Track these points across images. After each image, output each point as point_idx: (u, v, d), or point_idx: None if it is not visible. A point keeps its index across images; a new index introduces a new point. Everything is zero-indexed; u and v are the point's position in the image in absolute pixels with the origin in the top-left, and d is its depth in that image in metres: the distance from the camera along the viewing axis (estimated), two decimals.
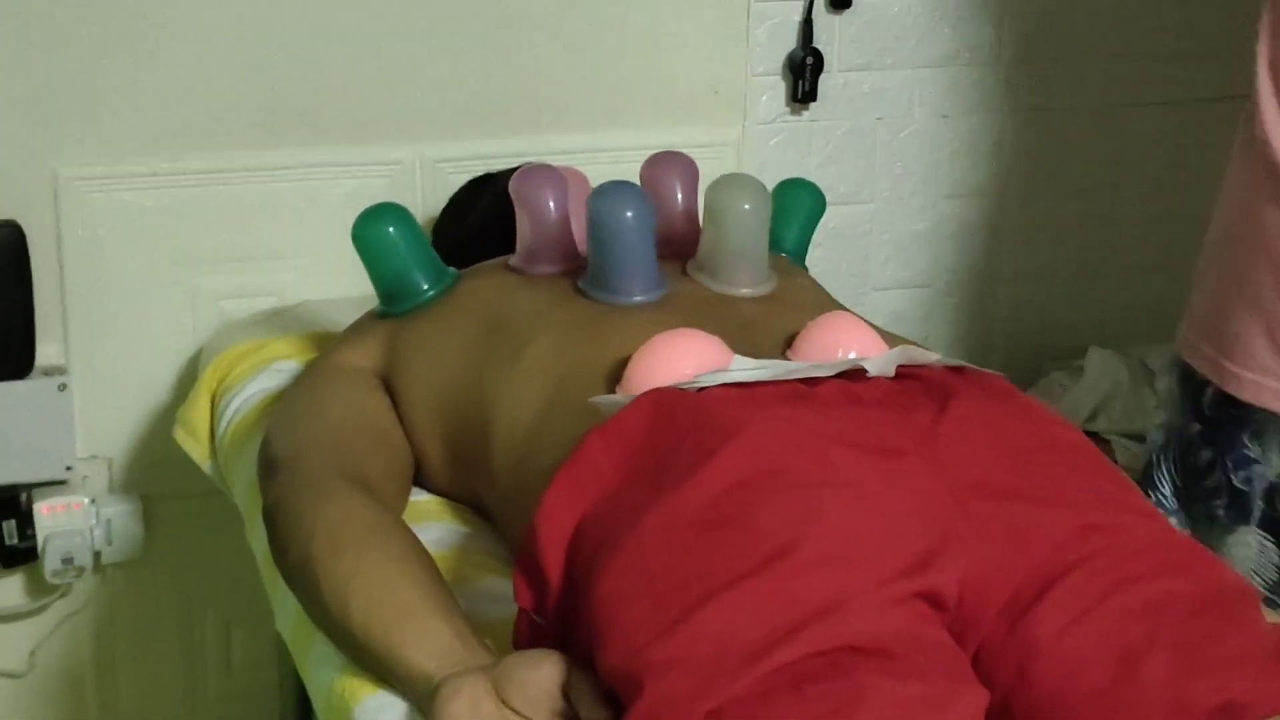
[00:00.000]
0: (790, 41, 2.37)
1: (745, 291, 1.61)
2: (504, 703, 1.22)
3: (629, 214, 1.58)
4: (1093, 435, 2.22)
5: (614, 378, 1.44)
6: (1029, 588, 1.23)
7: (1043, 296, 2.59)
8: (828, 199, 1.89)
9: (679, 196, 1.73)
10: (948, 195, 2.51)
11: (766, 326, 1.53)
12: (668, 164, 1.75)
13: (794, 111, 2.40)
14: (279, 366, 1.95)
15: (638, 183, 1.70)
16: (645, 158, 1.81)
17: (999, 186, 2.54)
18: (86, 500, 2.18)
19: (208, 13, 2.11)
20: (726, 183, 1.67)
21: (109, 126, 2.11)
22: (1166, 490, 1.79)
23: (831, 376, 1.37)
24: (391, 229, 1.70)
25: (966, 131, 2.49)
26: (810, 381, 1.36)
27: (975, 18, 2.43)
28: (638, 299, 1.57)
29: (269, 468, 1.54)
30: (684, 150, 1.83)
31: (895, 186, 2.48)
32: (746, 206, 1.63)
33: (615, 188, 1.62)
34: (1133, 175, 2.58)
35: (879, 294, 2.51)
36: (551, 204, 1.69)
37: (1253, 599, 1.29)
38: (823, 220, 1.89)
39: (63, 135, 2.09)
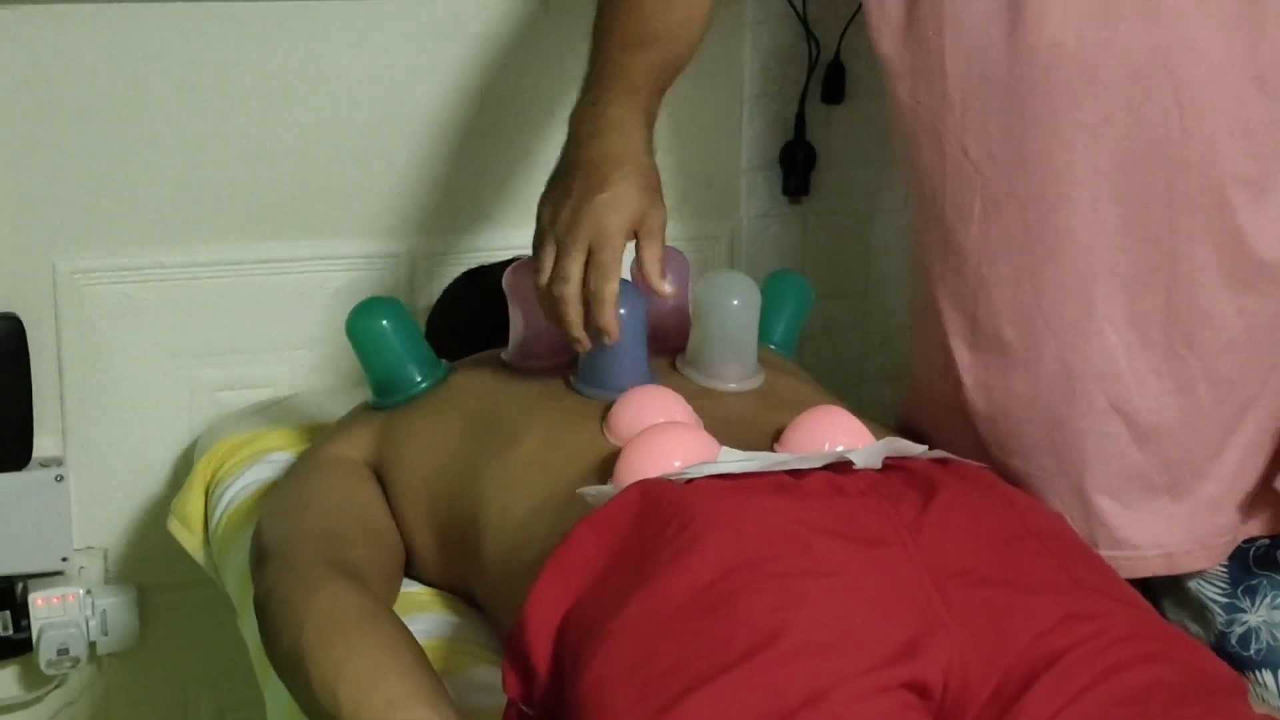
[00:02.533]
0: (784, 135, 2.40)
1: (733, 386, 1.63)
2: None
3: (620, 311, 1.60)
4: None
5: (603, 470, 1.45)
6: (1014, 677, 1.23)
7: None
8: (819, 291, 1.91)
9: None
10: None
11: (754, 421, 1.55)
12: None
13: (786, 205, 2.43)
14: (272, 458, 1.96)
15: (629, 277, 1.72)
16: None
17: None
18: (82, 591, 2.19)
19: (205, 112, 2.14)
20: (716, 279, 1.69)
21: (108, 220, 2.13)
22: None
23: (818, 468, 1.39)
24: (385, 322, 1.72)
25: None
26: (796, 473, 1.38)
27: None
28: None
29: (260, 558, 1.55)
30: (677, 243, 1.85)
31: (887, 276, 2.50)
32: (735, 303, 1.65)
33: None
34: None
35: (870, 385, 2.52)
36: None
37: (1239, 689, 1.30)
38: (814, 312, 1.91)
39: (62, 229, 2.12)
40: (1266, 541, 1.65)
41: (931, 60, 1.56)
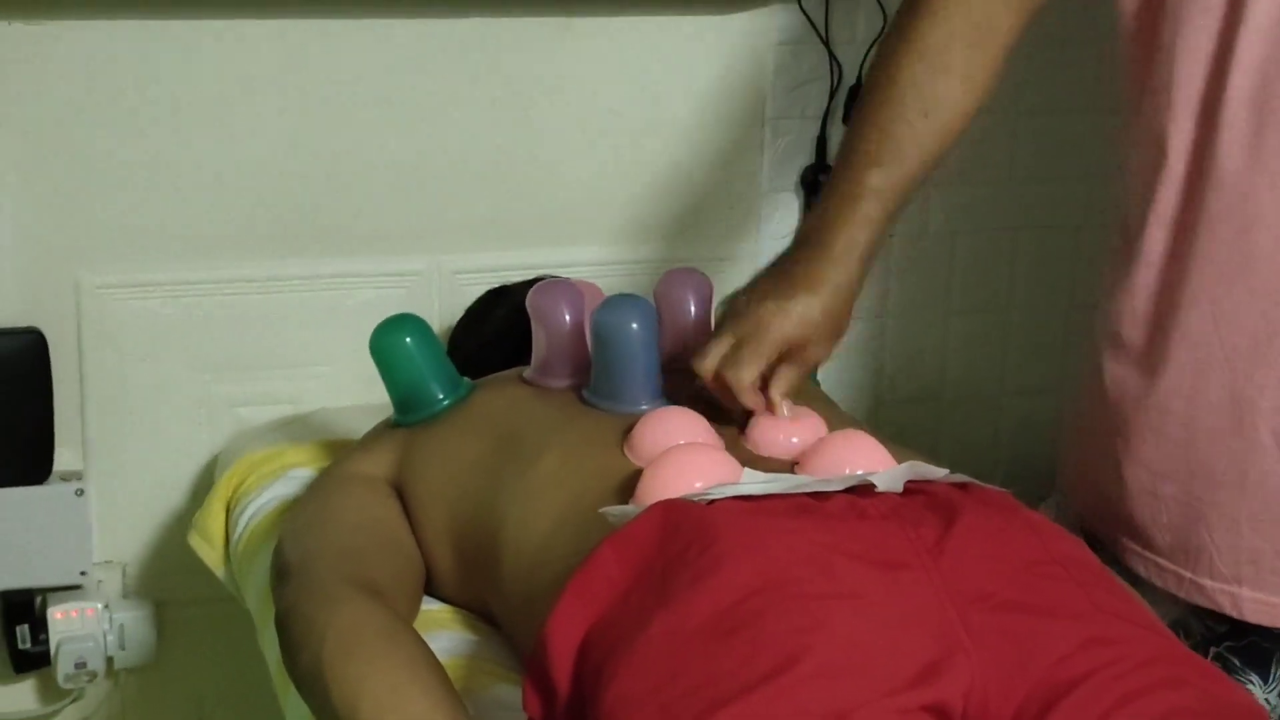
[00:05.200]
0: (805, 157, 2.40)
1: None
2: None
3: (633, 325, 1.61)
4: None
5: (625, 489, 1.45)
6: (1034, 702, 1.23)
7: (1050, 412, 2.61)
8: None
9: (692, 311, 1.75)
10: (958, 310, 2.53)
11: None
12: (681, 280, 1.77)
13: None
14: (293, 474, 1.96)
15: (651, 298, 1.73)
16: (660, 271, 1.83)
17: (1007, 302, 2.56)
18: (100, 605, 2.19)
19: (229, 129, 2.15)
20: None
21: (131, 236, 2.14)
22: None
23: (840, 491, 1.39)
24: (408, 339, 1.72)
25: (977, 247, 2.52)
26: (818, 496, 1.38)
27: (987, 137, 2.46)
28: (644, 408, 1.59)
29: (281, 574, 1.55)
30: (698, 264, 1.86)
31: (906, 301, 2.50)
32: None
33: (619, 300, 1.65)
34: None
35: (888, 408, 2.53)
36: (567, 317, 1.71)
37: (1260, 718, 1.30)
38: None
39: (85, 244, 2.13)
40: None
41: (1159, 68, 1.53)
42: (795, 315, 1.53)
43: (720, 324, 1.57)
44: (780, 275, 1.56)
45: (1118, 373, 1.61)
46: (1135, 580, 1.60)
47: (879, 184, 1.54)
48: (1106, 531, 1.66)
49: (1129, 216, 1.60)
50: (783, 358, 1.54)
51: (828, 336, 1.56)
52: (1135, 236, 1.58)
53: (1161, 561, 1.61)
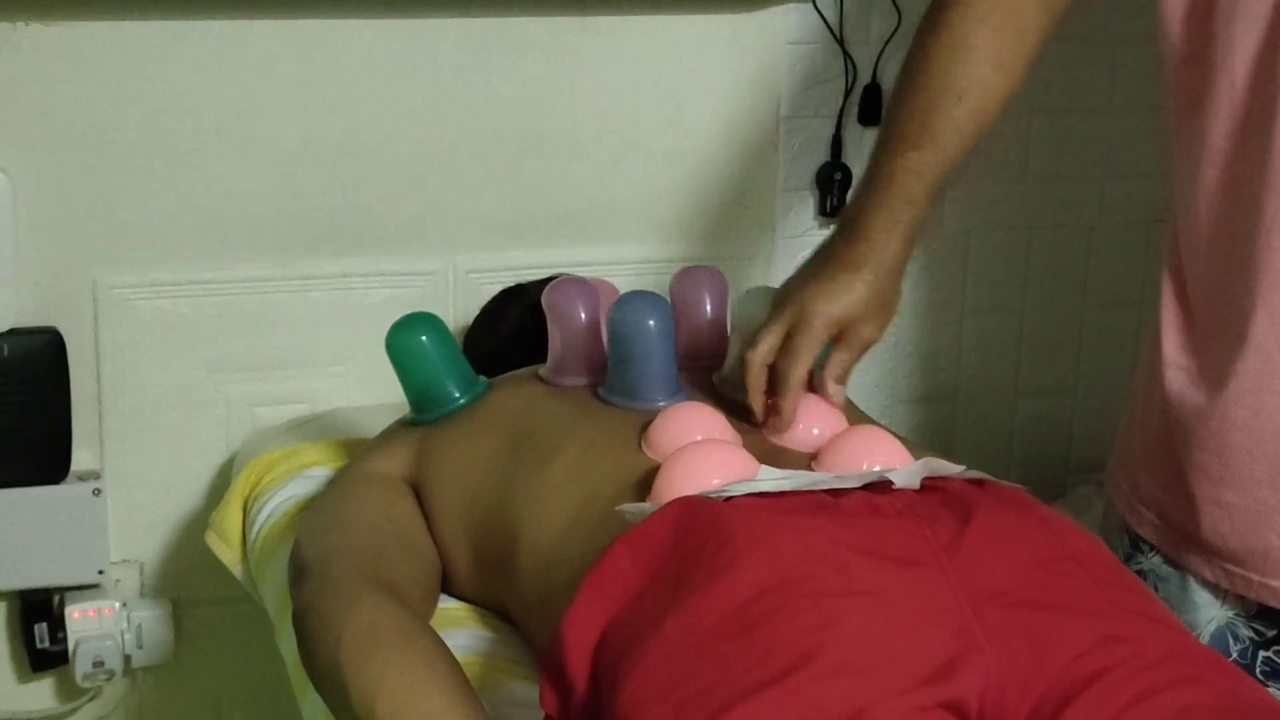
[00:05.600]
0: (820, 156, 2.40)
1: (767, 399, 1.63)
2: None
3: (650, 322, 1.61)
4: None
5: (641, 486, 1.46)
6: (1050, 699, 1.23)
7: (1065, 410, 2.61)
8: None
9: (708, 309, 1.75)
10: (972, 310, 2.54)
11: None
12: (697, 278, 1.78)
13: (822, 225, 2.43)
14: (310, 473, 1.97)
15: (667, 295, 1.73)
16: (675, 269, 1.84)
17: (1021, 301, 2.56)
18: (118, 604, 2.20)
19: (245, 129, 2.15)
20: (752, 294, 1.70)
21: (148, 236, 2.15)
22: None
23: (856, 488, 1.39)
24: (425, 338, 1.73)
25: (991, 247, 2.52)
26: (835, 492, 1.38)
27: (1002, 136, 2.45)
28: (660, 405, 1.59)
29: (299, 573, 1.55)
30: (714, 263, 1.86)
31: (920, 300, 2.51)
32: None
33: (635, 297, 1.65)
34: (1155, 291, 2.59)
35: (903, 406, 2.53)
36: (582, 316, 1.71)
37: (1275, 713, 1.30)
38: None
39: (102, 244, 2.13)
40: None
41: (1209, 75, 1.52)
42: (839, 296, 1.54)
43: (769, 316, 1.58)
44: (823, 260, 1.58)
45: (1177, 383, 1.60)
46: (1198, 584, 1.60)
47: (916, 164, 1.56)
48: (1166, 540, 1.65)
49: (1190, 225, 1.58)
50: (834, 341, 1.56)
51: (876, 315, 1.57)
52: (1196, 246, 1.57)
53: (1230, 566, 1.60)
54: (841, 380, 1.57)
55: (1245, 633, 1.61)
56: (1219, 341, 1.55)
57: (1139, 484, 1.66)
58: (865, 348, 1.58)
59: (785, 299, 1.57)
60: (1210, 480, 1.57)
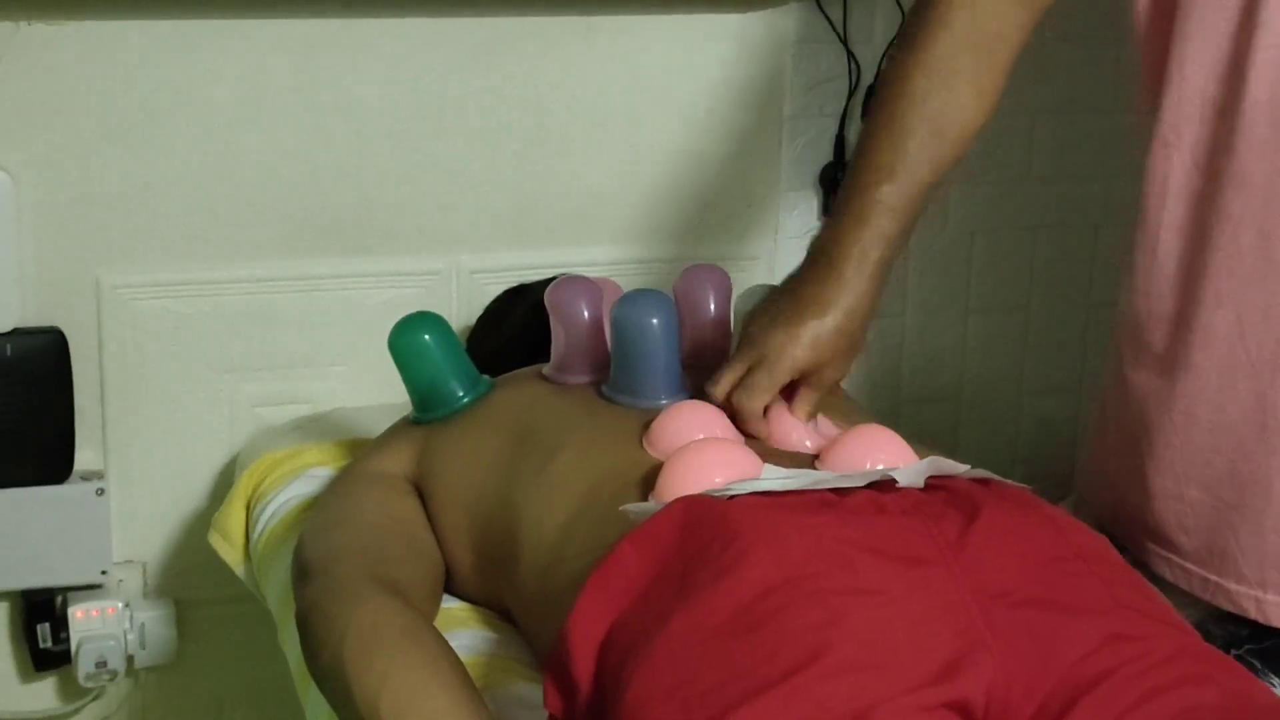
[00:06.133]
0: (823, 156, 2.40)
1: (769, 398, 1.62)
2: None
3: (654, 320, 1.61)
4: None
5: (643, 484, 1.45)
6: (1057, 698, 1.23)
7: (1069, 410, 2.61)
8: None
9: (711, 308, 1.75)
10: (976, 309, 2.53)
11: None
12: (701, 276, 1.77)
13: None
14: (313, 473, 1.96)
15: (670, 294, 1.73)
16: (678, 269, 1.83)
17: (1025, 300, 2.56)
18: (120, 604, 2.20)
19: (249, 128, 2.15)
20: (754, 293, 1.70)
21: (151, 235, 2.14)
22: None
23: (861, 487, 1.39)
24: (427, 337, 1.73)
25: (995, 247, 2.52)
26: (839, 491, 1.38)
27: (1005, 136, 2.46)
28: (663, 403, 1.59)
29: (302, 573, 1.55)
30: (716, 263, 1.86)
31: (924, 300, 2.50)
32: None
33: (639, 295, 1.65)
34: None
35: (907, 406, 2.53)
36: (586, 314, 1.71)
37: None
38: None
39: (105, 243, 2.13)
40: None
41: (1171, 68, 1.52)
42: (805, 341, 1.52)
43: (736, 348, 1.58)
44: (791, 298, 1.55)
45: (1140, 377, 1.60)
46: (1159, 583, 1.59)
47: (891, 199, 1.53)
48: (1129, 535, 1.66)
49: (1145, 218, 1.59)
50: (800, 380, 1.54)
51: (841, 357, 1.55)
52: (1153, 239, 1.58)
53: (1187, 565, 1.61)
54: (809, 417, 1.55)
55: (1218, 631, 1.61)
56: (1181, 337, 1.55)
57: (1106, 479, 1.65)
58: (829, 386, 1.56)
59: (752, 339, 1.55)
60: (1174, 475, 1.58)
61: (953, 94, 1.53)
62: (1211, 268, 1.52)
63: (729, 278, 1.79)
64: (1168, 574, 1.62)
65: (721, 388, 1.56)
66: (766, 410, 1.55)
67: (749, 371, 1.54)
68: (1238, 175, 1.49)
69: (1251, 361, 1.52)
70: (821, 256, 1.55)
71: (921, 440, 1.57)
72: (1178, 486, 1.59)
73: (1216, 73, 1.50)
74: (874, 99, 1.59)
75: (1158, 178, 1.56)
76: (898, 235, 1.54)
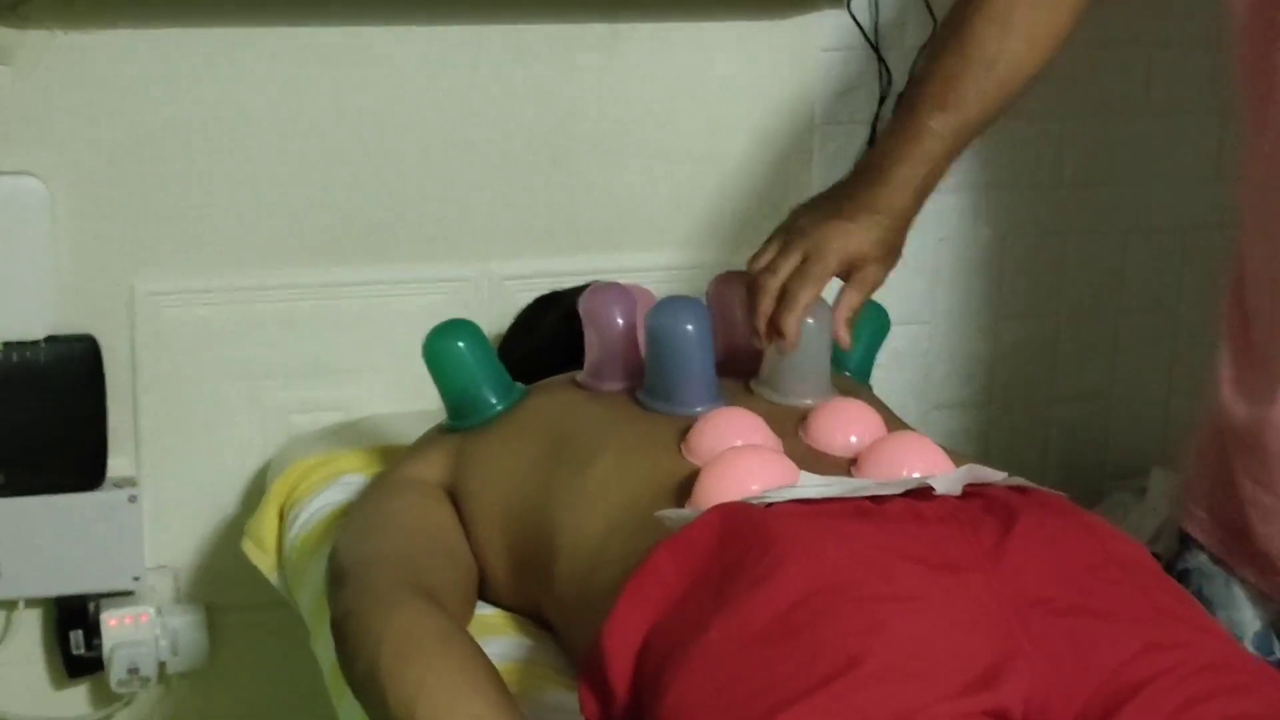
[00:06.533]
0: (854, 160, 2.39)
1: (807, 403, 1.62)
2: None
3: (689, 327, 1.61)
4: (1155, 557, 2.21)
5: (680, 491, 1.45)
6: (1095, 707, 1.22)
7: (1100, 416, 2.60)
8: (892, 317, 1.91)
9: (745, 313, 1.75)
10: (1007, 315, 2.53)
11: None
12: (734, 282, 1.77)
13: None
14: (347, 480, 1.97)
15: (704, 299, 1.73)
16: (709, 276, 1.83)
17: (1056, 306, 2.55)
18: (153, 611, 2.20)
19: (282, 137, 2.16)
20: None
21: (185, 243, 2.15)
22: None
23: (898, 494, 1.39)
24: (462, 344, 1.73)
25: (1026, 252, 2.51)
26: (876, 499, 1.38)
27: (1037, 141, 2.45)
28: (698, 410, 1.59)
29: (337, 579, 1.55)
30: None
31: (956, 305, 2.50)
32: (810, 321, 1.65)
33: (673, 302, 1.65)
34: (1191, 296, 2.59)
35: (939, 412, 2.52)
36: (620, 321, 1.71)
37: None
38: (887, 338, 1.92)
39: (139, 251, 2.14)
40: None
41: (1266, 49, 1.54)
42: (858, 235, 1.62)
43: (779, 235, 1.65)
44: (842, 198, 1.65)
45: (1229, 392, 1.61)
46: (1241, 585, 1.62)
47: (939, 126, 1.63)
48: (1213, 539, 1.65)
49: (1244, 234, 1.60)
50: (844, 278, 1.63)
51: (884, 258, 1.64)
52: (1252, 255, 1.59)
53: (1270, 573, 1.60)
54: (850, 322, 1.64)
55: None
56: (1272, 336, 1.54)
57: (1192, 483, 1.65)
58: (872, 289, 1.65)
59: (799, 230, 1.63)
60: (1254, 480, 1.57)
61: (1007, 40, 1.62)
62: None
63: None
64: (1250, 575, 1.61)
65: (780, 277, 1.61)
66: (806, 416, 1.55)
67: (801, 261, 1.60)
68: None
69: None
70: (871, 168, 1.66)
71: (952, 447, 1.57)
72: (1256, 493, 1.60)
73: None
74: (932, 40, 1.71)
75: (1268, 177, 1.56)
76: (943, 158, 1.65)
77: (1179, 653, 1.25)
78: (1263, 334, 1.57)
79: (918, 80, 1.68)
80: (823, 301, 1.68)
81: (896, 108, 1.68)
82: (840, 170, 2.35)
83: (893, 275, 2.40)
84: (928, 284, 2.47)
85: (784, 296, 1.61)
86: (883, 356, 1.96)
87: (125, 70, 2.08)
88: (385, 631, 1.39)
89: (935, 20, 2.30)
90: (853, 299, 1.64)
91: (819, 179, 2.38)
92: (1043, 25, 1.64)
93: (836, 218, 1.62)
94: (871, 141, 2.38)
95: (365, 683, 1.40)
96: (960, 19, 1.65)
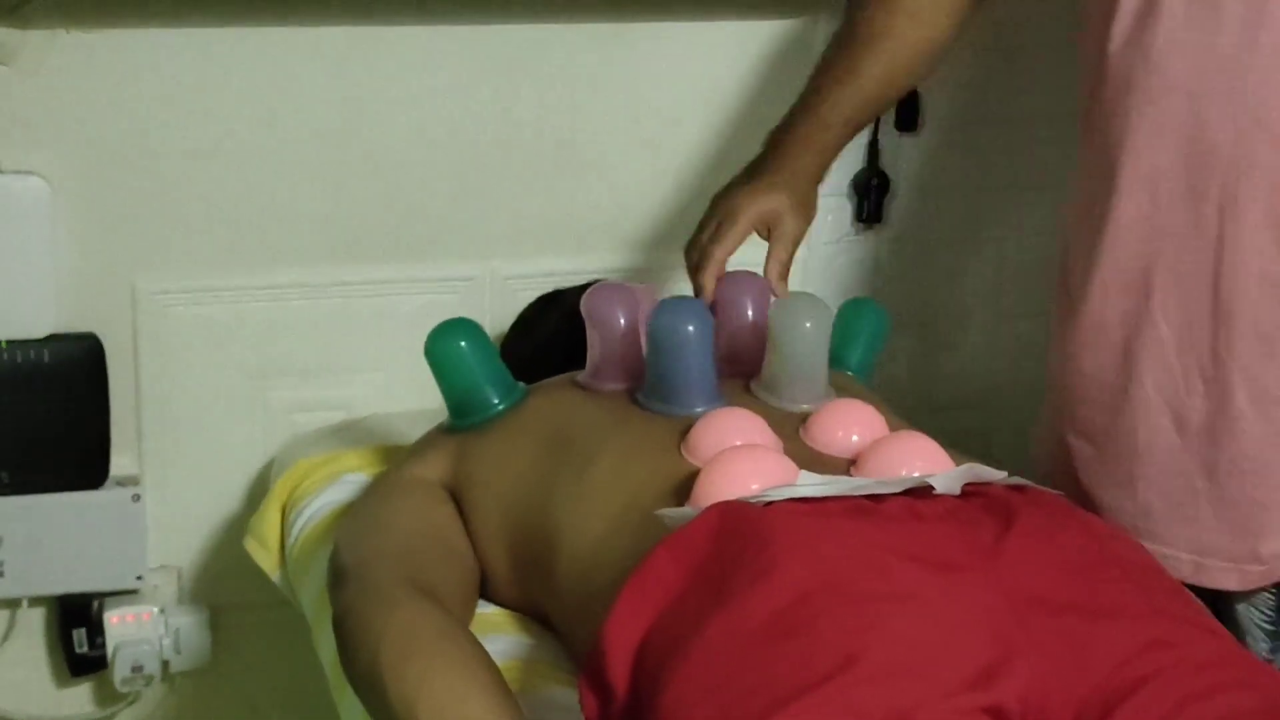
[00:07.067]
0: (857, 162, 2.40)
1: (805, 408, 1.63)
2: None
3: (690, 328, 1.61)
4: None
5: (680, 491, 1.46)
6: (1094, 705, 1.23)
7: None
8: (892, 318, 1.91)
9: (749, 314, 1.76)
10: (1007, 314, 2.53)
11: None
12: (739, 283, 1.78)
13: (859, 232, 2.43)
14: (349, 479, 1.97)
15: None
16: None
17: None
18: (156, 609, 2.20)
19: (284, 136, 2.16)
20: (789, 302, 1.71)
21: (187, 241, 2.15)
22: None
23: (897, 493, 1.39)
24: (464, 344, 1.73)
25: (1026, 251, 2.51)
26: (875, 497, 1.38)
27: (1041, 142, 2.45)
28: (699, 410, 1.59)
29: (338, 577, 1.56)
30: (749, 268, 1.85)
31: (957, 305, 2.50)
32: (808, 324, 1.65)
33: (675, 303, 1.66)
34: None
35: (941, 413, 2.52)
36: (621, 321, 1.71)
37: None
38: (889, 339, 1.92)
39: (142, 250, 2.14)
40: None
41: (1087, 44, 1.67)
42: (763, 193, 1.76)
43: (706, 214, 1.81)
44: (750, 171, 1.82)
45: (1054, 327, 1.79)
46: None
47: (836, 97, 1.81)
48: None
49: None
50: (768, 238, 1.76)
51: (795, 211, 1.77)
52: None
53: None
54: (783, 277, 1.77)
55: None
56: (1075, 288, 1.72)
57: (1037, 455, 1.84)
58: (793, 241, 1.78)
59: (714, 205, 1.80)
60: (1064, 422, 1.76)
61: (892, 19, 1.81)
62: (1080, 221, 1.72)
63: (767, 284, 1.79)
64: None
65: (701, 239, 1.76)
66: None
67: (716, 226, 1.76)
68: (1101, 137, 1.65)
69: (1118, 312, 1.65)
70: (775, 140, 1.83)
71: (954, 447, 1.57)
72: (1063, 432, 1.75)
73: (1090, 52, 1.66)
74: (842, 20, 1.88)
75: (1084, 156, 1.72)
76: (840, 124, 1.82)
77: (1180, 650, 1.26)
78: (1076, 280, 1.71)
79: (821, 58, 1.85)
80: (820, 303, 1.69)
81: (806, 83, 1.85)
82: (844, 168, 2.38)
83: (895, 276, 2.44)
84: (931, 282, 2.48)
85: (701, 258, 1.75)
86: (886, 355, 1.97)
87: (127, 70, 2.08)
88: (386, 629, 1.40)
89: None
90: (779, 253, 1.76)
91: None
92: (927, 5, 1.80)
93: (744, 185, 1.79)
94: (873, 141, 2.38)
95: (366, 681, 1.41)
96: (859, 2, 1.84)
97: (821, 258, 2.40)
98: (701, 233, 1.79)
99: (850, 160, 2.39)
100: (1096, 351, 1.67)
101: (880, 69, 1.81)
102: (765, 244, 1.79)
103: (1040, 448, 1.82)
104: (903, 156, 2.41)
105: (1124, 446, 1.66)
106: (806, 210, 1.80)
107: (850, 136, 1.85)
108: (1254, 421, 1.59)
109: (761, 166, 1.81)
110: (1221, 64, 1.52)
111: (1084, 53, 1.67)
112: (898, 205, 2.42)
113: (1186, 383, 1.60)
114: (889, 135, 2.39)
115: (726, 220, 1.76)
